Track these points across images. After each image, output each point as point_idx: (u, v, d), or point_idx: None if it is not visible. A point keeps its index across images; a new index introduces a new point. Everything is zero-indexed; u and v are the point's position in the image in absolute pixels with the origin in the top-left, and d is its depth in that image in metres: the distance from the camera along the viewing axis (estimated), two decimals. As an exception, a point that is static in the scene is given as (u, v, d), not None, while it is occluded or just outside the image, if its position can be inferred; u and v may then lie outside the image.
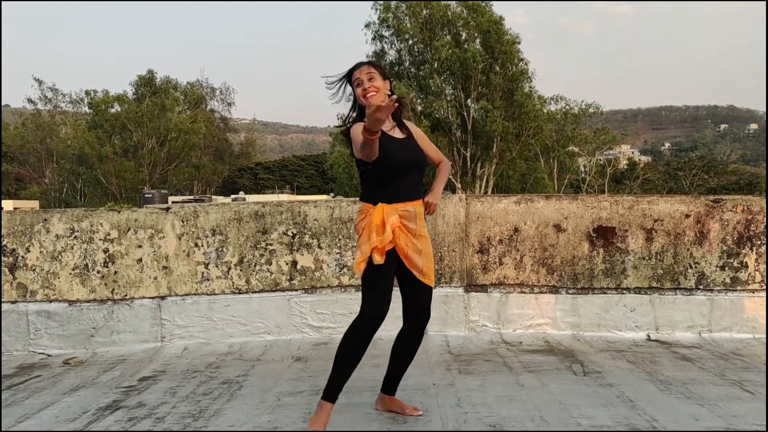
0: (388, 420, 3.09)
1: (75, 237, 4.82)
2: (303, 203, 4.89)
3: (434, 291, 4.66)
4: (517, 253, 4.84)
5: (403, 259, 2.95)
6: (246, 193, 56.55)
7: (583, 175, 67.10)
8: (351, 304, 4.83)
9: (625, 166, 74.50)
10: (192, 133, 55.05)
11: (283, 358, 4.39)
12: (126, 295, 4.83)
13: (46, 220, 4.82)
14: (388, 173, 2.89)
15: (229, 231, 4.84)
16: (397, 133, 3.02)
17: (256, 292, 4.84)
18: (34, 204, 41.21)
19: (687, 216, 4.82)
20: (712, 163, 70.13)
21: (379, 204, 2.91)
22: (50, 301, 4.81)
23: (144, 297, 4.82)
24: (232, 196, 43.67)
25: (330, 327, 4.83)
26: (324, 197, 58.89)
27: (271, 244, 4.85)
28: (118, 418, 3.29)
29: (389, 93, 2.96)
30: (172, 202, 26.10)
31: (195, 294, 4.83)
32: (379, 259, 2.85)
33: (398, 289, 3.06)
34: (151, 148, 53.48)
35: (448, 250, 4.79)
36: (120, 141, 53.03)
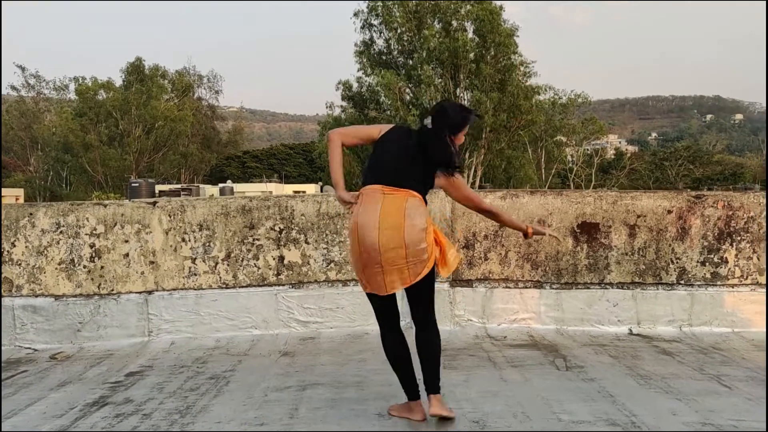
0: (374, 416, 3.14)
1: (61, 232, 4.81)
2: (290, 198, 4.91)
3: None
4: (502, 249, 4.90)
5: None
6: (234, 182, 56.26)
7: (570, 164, 67.36)
8: (338, 299, 4.88)
9: (612, 156, 74.91)
10: (179, 121, 54.68)
11: (270, 353, 4.43)
12: (113, 290, 4.83)
13: (31, 214, 4.81)
14: None
15: (217, 226, 4.85)
16: None
17: (243, 286, 4.87)
18: (19, 192, 40.79)
19: (669, 212, 4.89)
20: (698, 154, 70.63)
21: None
22: (36, 296, 4.81)
23: (131, 292, 4.83)
24: (220, 185, 43.42)
25: (317, 322, 4.87)
26: (313, 186, 58.77)
27: (258, 239, 4.87)
28: (105, 414, 3.31)
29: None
30: (160, 191, 25.96)
31: (182, 289, 4.85)
32: None
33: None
34: (137, 136, 53.06)
35: (434, 246, 4.83)
36: (106, 129, 52.57)
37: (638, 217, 4.89)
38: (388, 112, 37.80)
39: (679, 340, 4.67)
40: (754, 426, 3.00)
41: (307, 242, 4.88)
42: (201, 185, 40.52)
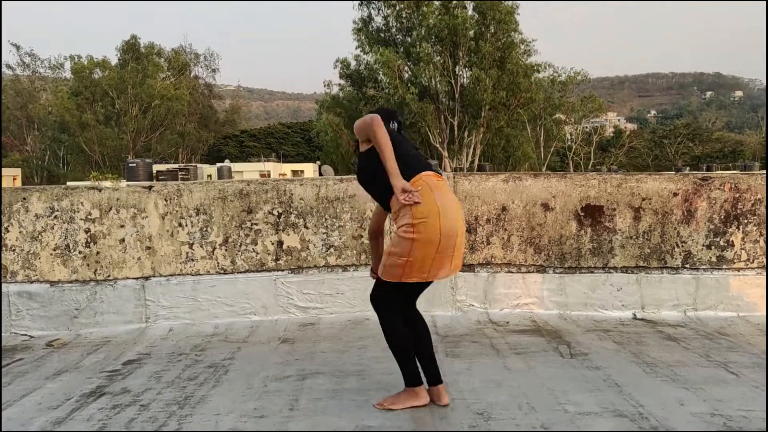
0: (375, 407, 3.07)
1: (55, 217, 4.72)
2: (289, 181, 4.81)
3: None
4: (504, 233, 4.81)
5: None
6: (231, 161, 56.07)
7: (569, 143, 67.18)
8: (337, 284, 4.80)
9: (611, 134, 74.70)
10: (176, 100, 54.30)
11: (270, 340, 4.36)
12: (109, 276, 4.75)
13: (25, 198, 4.71)
14: None
15: (214, 210, 4.76)
16: None
17: (241, 272, 4.79)
18: (16, 172, 40.56)
19: (675, 194, 4.80)
20: (697, 131, 70.46)
21: None
22: (31, 282, 4.73)
23: (128, 278, 4.76)
24: (218, 165, 43.23)
25: (317, 307, 4.80)
26: (311, 165, 58.55)
27: (256, 224, 4.78)
28: (102, 405, 3.25)
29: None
30: (157, 171, 25.82)
31: (180, 274, 4.77)
32: None
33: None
34: (134, 115, 52.72)
35: (435, 230, 4.75)
36: (102, 108, 52.22)
37: (643, 199, 4.80)
38: (387, 91, 37.50)
39: (683, 324, 4.61)
40: (764, 416, 2.95)
41: (306, 227, 4.79)
42: (199, 165, 40.33)
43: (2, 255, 4.71)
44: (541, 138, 57.87)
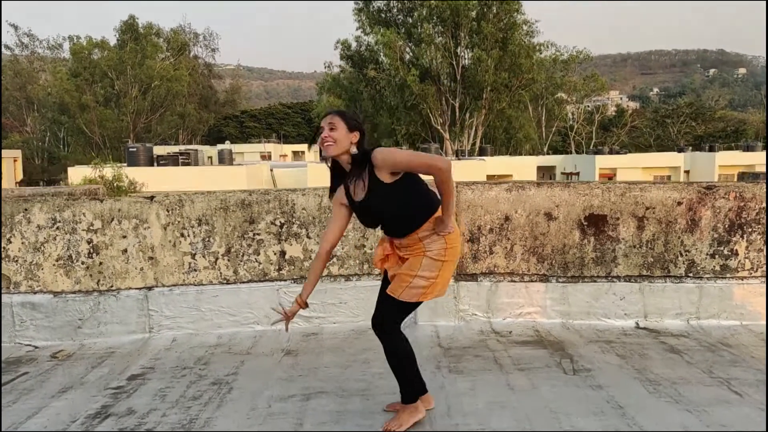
0: (379, 434, 3.09)
1: (57, 228, 4.71)
2: (290, 192, 4.79)
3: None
4: (507, 242, 4.80)
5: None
6: (232, 143, 55.93)
7: (571, 122, 66.87)
8: (340, 294, 4.80)
9: (613, 113, 74.33)
10: (175, 81, 54.02)
11: (273, 352, 4.38)
12: (112, 286, 4.76)
13: (26, 209, 4.70)
14: None
15: (216, 220, 4.75)
16: (359, 194, 3.05)
17: (244, 282, 4.79)
18: (17, 154, 40.44)
19: (679, 203, 4.78)
20: (700, 110, 70.06)
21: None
22: (35, 293, 4.74)
23: (130, 288, 4.76)
24: (218, 147, 43.12)
25: (320, 317, 4.81)
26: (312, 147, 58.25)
27: (258, 234, 4.77)
28: (108, 429, 3.27)
29: (355, 144, 3.03)
30: (158, 156, 25.73)
31: (182, 284, 4.77)
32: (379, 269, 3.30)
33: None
34: (134, 96, 52.48)
35: (438, 240, 4.73)
36: (101, 89, 51.96)
37: (647, 209, 4.78)
38: (388, 72, 37.22)
39: (686, 334, 4.61)
40: (766, 442, 2.96)
41: (308, 237, 4.78)
42: (199, 148, 40.22)
43: (5, 266, 4.71)
44: (543, 118, 57.57)
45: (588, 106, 68.13)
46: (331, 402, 3.49)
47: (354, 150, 3.01)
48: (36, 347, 4.70)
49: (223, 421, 3.29)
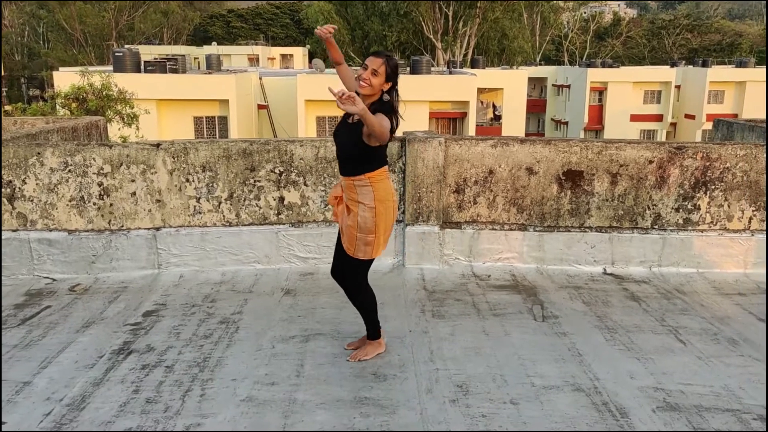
0: (371, 377, 3.57)
1: (69, 171, 5.01)
2: (289, 142, 5.09)
3: (413, 228, 5.08)
4: (490, 194, 5.18)
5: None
6: (219, 44, 54.59)
7: (566, 30, 65.55)
8: (334, 238, 5.19)
9: (610, 22, 72.71)
10: (159, -24, 51.88)
11: (273, 291, 4.83)
12: (122, 226, 5.12)
13: (39, 153, 4.98)
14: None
15: (219, 168, 5.06)
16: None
17: (245, 225, 5.17)
18: (-5, 49, 39.38)
19: (650, 162, 5.14)
20: (697, 22, 68.82)
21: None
22: (50, 230, 5.10)
23: (140, 228, 5.13)
24: (206, 51, 42.14)
25: (316, 258, 5.24)
26: (300, 50, 57.05)
27: (259, 181, 5.10)
28: (132, 365, 3.73)
29: (385, 94, 3.35)
30: (145, 62, 25.32)
31: (188, 226, 5.14)
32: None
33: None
34: (115, -9, 50.55)
35: (426, 191, 5.10)
36: (81, -18, 49.91)
37: (621, 166, 5.14)
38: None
39: (647, 280, 5.11)
40: (699, 390, 3.48)
41: (305, 184, 5.13)
42: (186, 50, 39.34)
43: (22, 205, 5.04)
44: (537, 26, 56.38)
45: (584, 13, 66.58)
46: (328, 345, 3.97)
47: (387, 97, 3.33)
48: (54, 279, 5.12)
49: (233, 361, 3.76)
